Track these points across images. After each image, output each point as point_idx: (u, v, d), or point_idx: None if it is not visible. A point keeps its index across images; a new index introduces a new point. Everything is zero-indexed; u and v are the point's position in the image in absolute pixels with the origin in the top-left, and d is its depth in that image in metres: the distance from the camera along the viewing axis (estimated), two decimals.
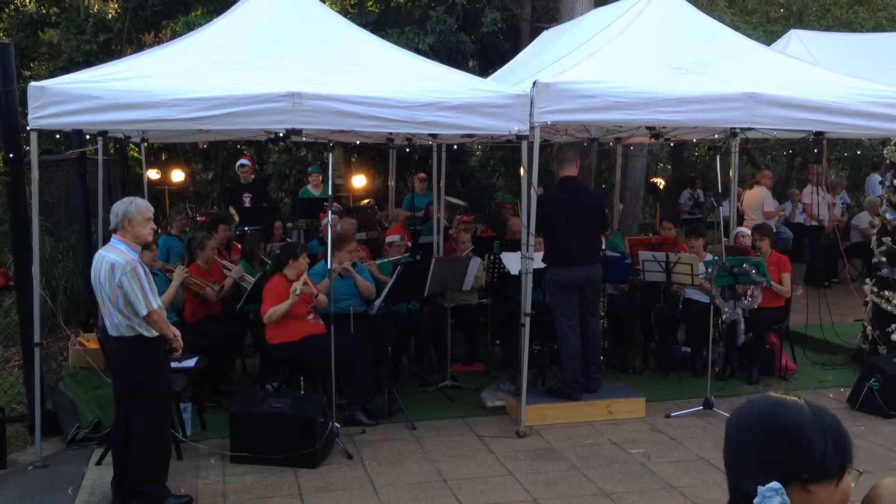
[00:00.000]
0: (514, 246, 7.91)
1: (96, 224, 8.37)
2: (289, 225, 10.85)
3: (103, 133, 7.56)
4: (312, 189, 11.52)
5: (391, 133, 8.35)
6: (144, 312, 4.79)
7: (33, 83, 5.66)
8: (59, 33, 14.47)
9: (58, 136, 11.29)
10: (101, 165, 8.08)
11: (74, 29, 13.73)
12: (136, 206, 4.91)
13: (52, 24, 15.01)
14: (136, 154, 13.42)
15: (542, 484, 5.49)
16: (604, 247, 7.88)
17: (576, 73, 6.50)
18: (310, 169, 12.13)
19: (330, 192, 6.79)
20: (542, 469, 5.76)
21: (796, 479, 1.62)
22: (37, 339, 5.90)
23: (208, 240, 7.62)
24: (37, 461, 5.82)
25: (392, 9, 15.75)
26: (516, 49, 11.93)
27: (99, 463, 5.77)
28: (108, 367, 6.31)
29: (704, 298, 7.61)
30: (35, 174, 5.90)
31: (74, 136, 8.04)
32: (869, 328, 8.18)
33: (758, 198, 12.21)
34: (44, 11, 15.42)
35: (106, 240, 5.18)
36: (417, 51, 10.65)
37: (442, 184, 9.66)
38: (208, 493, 5.36)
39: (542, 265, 6.95)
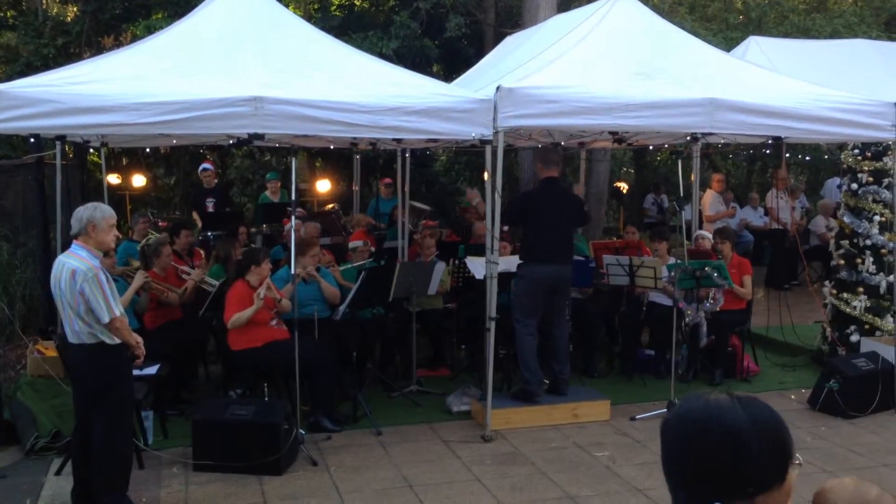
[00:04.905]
0: (479, 250, 7.92)
1: (55, 230, 8.19)
2: (252, 230, 10.75)
3: (61, 137, 7.43)
4: (271, 196, 11.43)
5: (355, 138, 8.33)
6: (107, 319, 4.72)
7: None
8: (17, 36, 14.21)
9: (15, 140, 11.11)
10: (60, 170, 7.92)
11: (32, 32, 13.50)
12: (101, 213, 4.83)
13: (10, 26, 14.74)
14: (95, 158, 13.22)
15: (508, 488, 5.50)
16: None
17: (539, 78, 6.53)
18: (267, 176, 12.03)
19: (294, 197, 6.71)
20: (507, 473, 5.77)
21: (741, 495, 1.59)
22: None
23: (163, 246, 7.45)
24: None
25: (356, 13, 15.71)
26: (480, 54, 11.95)
27: (58, 473, 5.66)
28: (67, 375, 6.20)
29: (668, 301, 7.69)
30: None
31: (32, 141, 7.89)
32: (828, 330, 8.32)
33: (705, 202, 12.32)
34: (1, 14, 15.14)
35: (65, 246, 5.09)
36: (381, 55, 10.62)
37: (407, 188, 9.64)
38: (171, 502, 5.29)
39: (508, 269, 6.96)
